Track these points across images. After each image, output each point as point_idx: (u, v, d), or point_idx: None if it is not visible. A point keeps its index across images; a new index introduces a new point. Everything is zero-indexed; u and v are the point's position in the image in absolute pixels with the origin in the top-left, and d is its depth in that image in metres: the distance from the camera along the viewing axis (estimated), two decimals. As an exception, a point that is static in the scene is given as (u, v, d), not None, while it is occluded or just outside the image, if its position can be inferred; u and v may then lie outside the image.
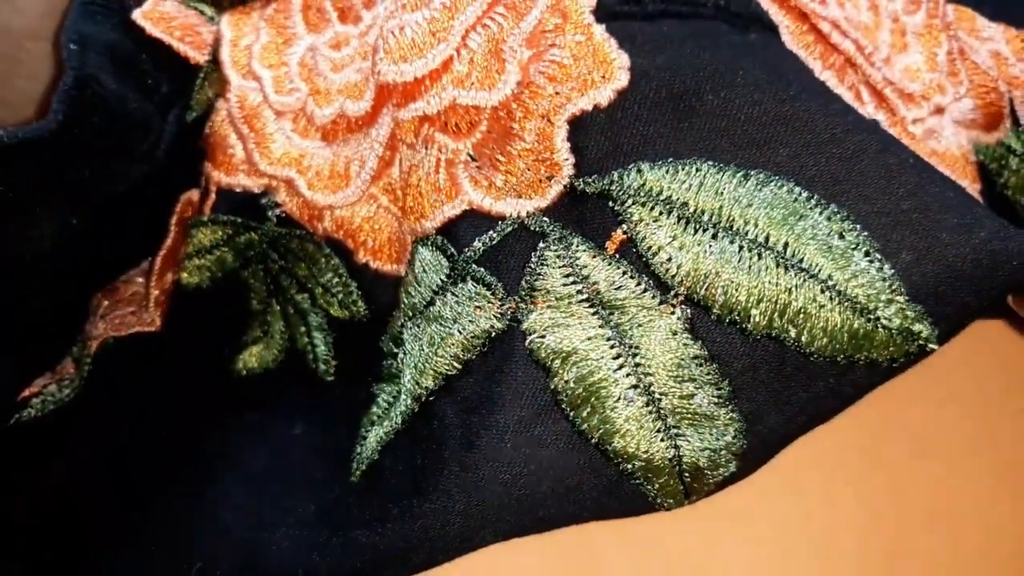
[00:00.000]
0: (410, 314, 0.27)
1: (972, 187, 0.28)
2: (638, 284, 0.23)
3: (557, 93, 0.24)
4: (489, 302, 0.25)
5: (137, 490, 0.30)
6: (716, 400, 0.23)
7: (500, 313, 0.25)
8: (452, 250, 0.25)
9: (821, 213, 0.22)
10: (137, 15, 0.28)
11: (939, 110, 0.28)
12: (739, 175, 0.23)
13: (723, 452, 0.24)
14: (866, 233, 0.22)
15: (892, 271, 0.22)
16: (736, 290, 0.22)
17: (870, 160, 0.22)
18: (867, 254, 0.22)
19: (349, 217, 0.29)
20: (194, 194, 0.32)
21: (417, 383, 0.26)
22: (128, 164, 0.27)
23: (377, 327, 0.29)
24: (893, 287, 0.22)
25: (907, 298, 0.21)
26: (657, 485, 0.24)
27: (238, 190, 0.31)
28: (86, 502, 0.30)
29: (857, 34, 0.26)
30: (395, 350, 0.28)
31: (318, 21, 0.30)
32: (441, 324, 0.26)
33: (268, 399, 0.32)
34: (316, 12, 0.30)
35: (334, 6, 0.30)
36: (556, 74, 0.24)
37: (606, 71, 0.24)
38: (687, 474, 0.24)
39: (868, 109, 0.27)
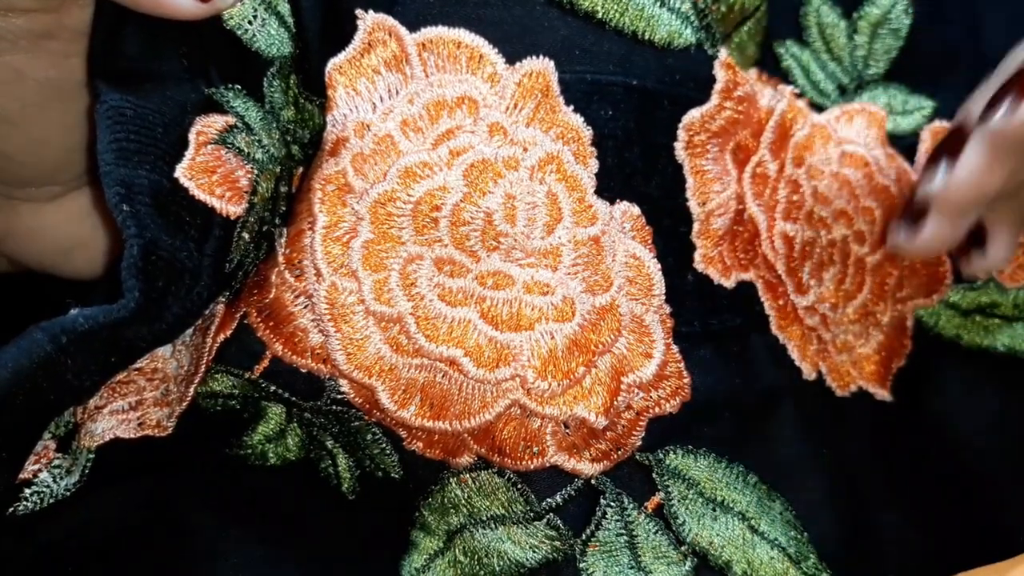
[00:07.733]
0: (466, 512, 0.31)
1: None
2: (664, 536, 0.31)
3: (647, 402, 0.31)
4: (556, 541, 0.31)
5: None
6: None
7: (564, 552, 0.31)
8: (531, 495, 0.31)
9: (778, 501, 0.33)
10: (180, 174, 0.26)
11: None
12: (737, 469, 0.32)
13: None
14: (801, 516, 0.33)
15: (809, 539, 0.33)
16: (723, 549, 0.31)
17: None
18: (797, 528, 0.33)
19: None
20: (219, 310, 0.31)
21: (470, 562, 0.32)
22: (172, 308, 0.26)
23: (408, 484, 0.32)
24: (811, 550, 0.33)
25: (817, 556, 0.33)
26: None
27: (302, 370, 0.30)
28: None
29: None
30: (437, 519, 0.32)
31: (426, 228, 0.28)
32: (504, 542, 0.31)
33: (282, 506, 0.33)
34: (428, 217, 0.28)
35: (452, 221, 0.28)
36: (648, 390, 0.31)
37: (680, 387, 0.31)
38: None
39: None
